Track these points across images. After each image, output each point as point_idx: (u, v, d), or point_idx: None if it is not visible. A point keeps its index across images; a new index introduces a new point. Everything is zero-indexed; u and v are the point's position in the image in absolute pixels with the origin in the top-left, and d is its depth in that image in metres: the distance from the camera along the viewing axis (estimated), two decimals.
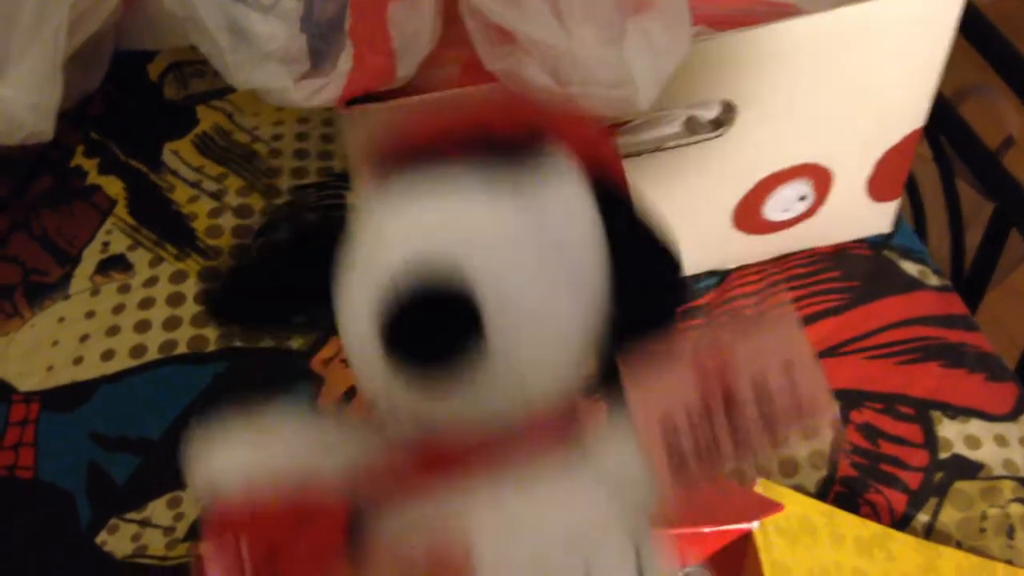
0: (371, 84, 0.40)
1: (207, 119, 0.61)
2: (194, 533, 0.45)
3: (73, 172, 0.59)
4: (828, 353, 0.50)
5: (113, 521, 0.46)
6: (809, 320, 0.51)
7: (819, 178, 0.50)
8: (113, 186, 0.58)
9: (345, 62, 0.40)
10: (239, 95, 0.62)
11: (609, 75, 0.39)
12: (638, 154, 0.46)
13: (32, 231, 0.57)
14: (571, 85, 0.39)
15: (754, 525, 0.37)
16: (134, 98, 0.63)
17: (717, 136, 0.46)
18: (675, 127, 0.47)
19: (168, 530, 0.46)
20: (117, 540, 0.45)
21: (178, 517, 0.46)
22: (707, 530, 0.36)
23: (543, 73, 0.39)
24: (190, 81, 0.63)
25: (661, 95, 0.40)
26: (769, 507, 0.37)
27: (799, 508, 0.40)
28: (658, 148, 0.46)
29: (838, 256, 0.54)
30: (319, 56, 0.40)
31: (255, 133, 0.61)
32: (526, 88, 0.40)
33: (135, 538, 0.45)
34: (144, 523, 0.46)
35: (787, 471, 0.47)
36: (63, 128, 0.61)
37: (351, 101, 0.41)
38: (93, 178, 0.59)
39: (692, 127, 0.47)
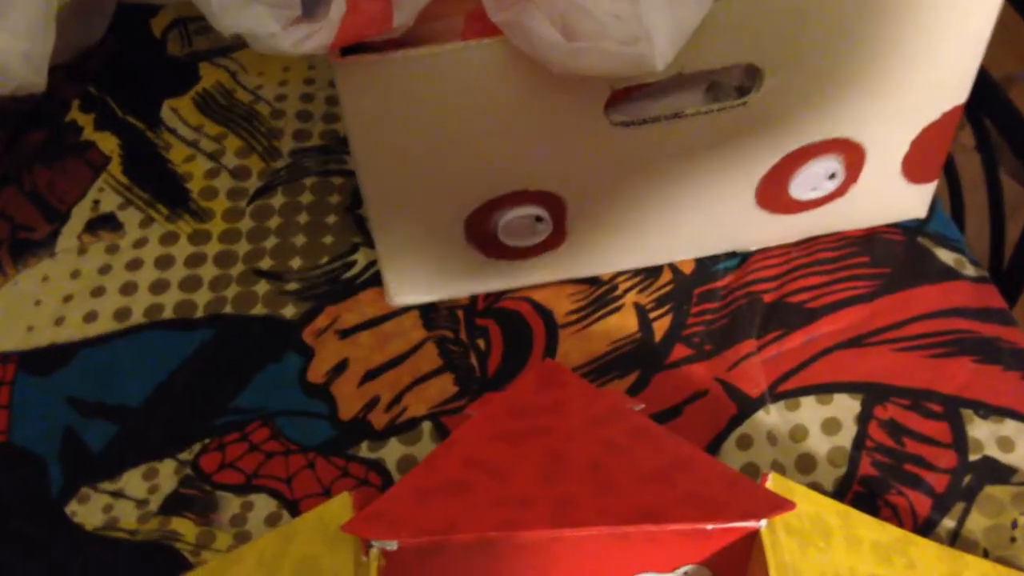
0: (365, 31, 0.37)
1: (209, 77, 0.59)
2: (168, 507, 0.43)
3: (68, 127, 0.57)
4: (854, 343, 0.47)
5: (85, 490, 0.43)
6: (835, 307, 0.48)
7: (851, 154, 0.46)
8: (108, 142, 0.56)
9: (338, 7, 0.37)
10: (244, 53, 0.60)
11: (623, 31, 0.36)
12: (654, 121, 0.42)
13: (23, 186, 0.55)
14: (581, 40, 0.37)
15: (761, 524, 0.34)
16: (136, 53, 0.61)
17: (741, 104, 0.42)
18: (695, 93, 0.44)
19: (141, 503, 0.43)
20: (88, 511, 0.43)
21: (153, 489, 0.43)
22: (710, 527, 0.33)
23: (551, 26, 0.37)
24: (194, 37, 0.61)
25: (679, 56, 0.38)
26: (779, 505, 0.34)
27: (813, 507, 0.37)
28: (676, 115, 0.42)
29: (868, 240, 0.51)
30: (311, 1, 0.37)
31: (258, 93, 0.58)
32: (532, 42, 0.37)
33: (106, 509, 0.43)
34: (117, 494, 0.43)
35: (803, 467, 0.43)
36: (60, 82, 0.59)
37: (345, 51, 0.39)
38: (88, 134, 0.56)
39: (714, 93, 0.44)
